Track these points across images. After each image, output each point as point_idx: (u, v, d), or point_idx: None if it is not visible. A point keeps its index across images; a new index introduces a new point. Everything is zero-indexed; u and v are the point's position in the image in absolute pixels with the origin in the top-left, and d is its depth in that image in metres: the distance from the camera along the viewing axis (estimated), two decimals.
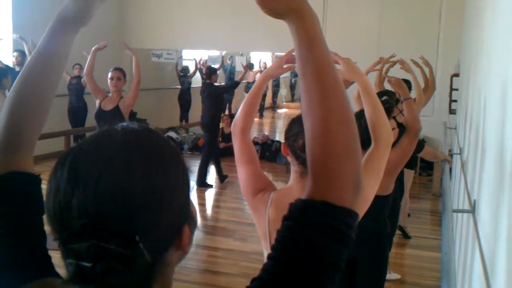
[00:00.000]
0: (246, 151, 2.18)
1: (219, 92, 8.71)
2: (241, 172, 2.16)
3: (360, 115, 3.14)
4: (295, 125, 2.06)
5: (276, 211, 2.05)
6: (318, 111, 0.87)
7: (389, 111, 3.95)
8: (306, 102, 0.89)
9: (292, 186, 2.10)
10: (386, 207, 3.17)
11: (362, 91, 2.25)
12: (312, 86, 0.88)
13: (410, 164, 5.46)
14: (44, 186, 0.91)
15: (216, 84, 8.77)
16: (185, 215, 0.84)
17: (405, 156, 3.14)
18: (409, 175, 5.68)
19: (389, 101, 3.96)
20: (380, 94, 4.04)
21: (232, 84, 9.17)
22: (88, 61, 5.34)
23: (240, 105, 2.23)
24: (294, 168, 2.08)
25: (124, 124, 0.85)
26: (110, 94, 5.25)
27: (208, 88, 8.52)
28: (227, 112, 14.72)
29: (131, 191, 0.75)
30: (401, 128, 4.96)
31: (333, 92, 0.88)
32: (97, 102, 5.29)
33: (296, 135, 2.01)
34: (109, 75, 5.16)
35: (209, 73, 8.66)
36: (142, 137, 0.83)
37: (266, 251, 2.11)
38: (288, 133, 2.08)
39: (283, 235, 0.84)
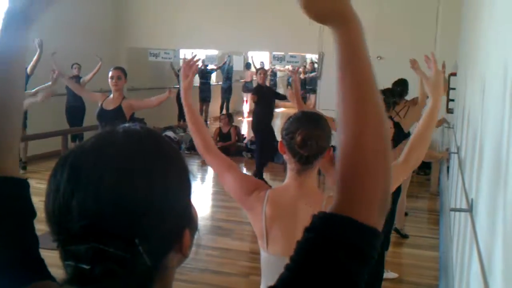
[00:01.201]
0: (221, 160, 2.22)
1: (272, 94, 8.59)
2: (228, 178, 2.18)
3: None
4: (292, 123, 2.07)
5: (273, 208, 2.06)
6: (354, 127, 0.84)
7: (386, 109, 3.95)
8: (342, 116, 0.85)
9: (289, 184, 2.10)
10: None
11: (432, 109, 2.22)
12: (350, 101, 0.85)
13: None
14: (39, 186, 0.90)
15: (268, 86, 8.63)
16: (186, 218, 0.84)
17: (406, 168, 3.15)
18: (406, 177, 5.64)
19: (385, 100, 3.95)
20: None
21: (282, 96, 8.96)
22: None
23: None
24: (290, 166, 2.08)
25: (126, 125, 0.85)
26: (111, 95, 5.21)
27: (261, 89, 8.41)
28: (224, 111, 14.72)
29: (132, 193, 0.75)
30: (397, 128, 4.98)
31: (372, 109, 0.85)
32: (99, 102, 5.27)
33: (294, 132, 2.02)
34: (110, 74, 5.14)
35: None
36: (144, 138, 0.83)
37: (262, 249, 2.11)
38: (285, 131, 2.08)
39: (303, 247, 0.82)
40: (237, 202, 2.20)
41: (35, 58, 8.25)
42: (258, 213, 2.08)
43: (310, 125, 2.03)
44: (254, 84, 16.67)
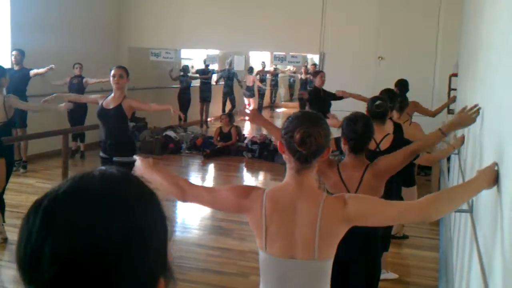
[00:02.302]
0: (201, 192, 2.25)
1: (329, 97, 8.46)
2: (218, 198, 2.19)
3: (355, 119, 3.13)
4: (291, 122, 2.08)
5: (272, 206, 2.06)
6: None
7: (383, 116, 3.93)
8: None
9: (287, 183, 2.10)
10: None
11: (464, 197, 2.04)
12: None
13: (411, 182, 5.41)
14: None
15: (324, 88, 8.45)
16: (161, 267, 0.82)
17: (396, 167, 3.12)
18: (412, 192, 5.39)
19: (384, 105, 3.94)
20: (374, 99, 4.02)
21: (338, 97, 8.71)
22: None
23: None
24: (290, 165, 2.09)
25: (103, 168, 0.83)
26: (112, 94, 5.20)
27: (318, 92, 8.25)
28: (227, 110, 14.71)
29: (106, 242, 0.73)
30: (397, 127, 4.98)
31: None
32: (99, 102, 5.26)
33: (293, 131, 2.03)
34: (112, 72, 5.13)
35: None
36: (121, 183, 0.81)
37: (261, 249, 2.11)
38: (284, 130, 2.09)
39: None
40: (237, 212, 2.20)
41: (40, 71, 8.37)
42: (258, 212, 2.08)
43: (309, 124, 2.04)
44: (254, 88, 16.76)
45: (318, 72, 7.68)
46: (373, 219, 2.08)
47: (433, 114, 6.98)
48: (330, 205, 2.03)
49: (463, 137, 3.99)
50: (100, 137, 5.29)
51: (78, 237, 0.72)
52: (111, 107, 5.12)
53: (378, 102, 3.91)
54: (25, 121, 8.32)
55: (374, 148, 3.76)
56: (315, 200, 2.04)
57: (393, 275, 4.92)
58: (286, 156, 2.09)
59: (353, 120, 3.12)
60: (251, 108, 16.79)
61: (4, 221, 4.38)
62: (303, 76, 16.57)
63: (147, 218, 0.79)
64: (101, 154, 5.26)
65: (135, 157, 2.39)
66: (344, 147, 3.14)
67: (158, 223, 0.82)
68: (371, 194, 3.01)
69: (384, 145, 3.82)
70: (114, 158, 5.07)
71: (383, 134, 3.86)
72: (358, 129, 3.06)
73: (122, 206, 0.77)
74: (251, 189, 2.15)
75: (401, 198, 4.54)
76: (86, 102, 5.36)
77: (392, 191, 3.76)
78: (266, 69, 17.92)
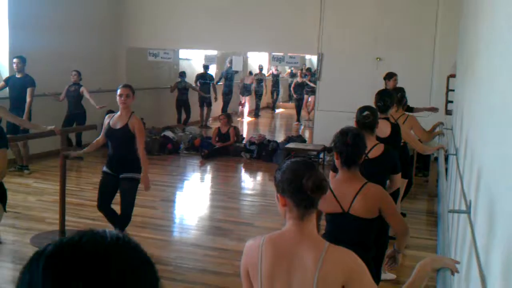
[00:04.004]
0: None
1: None
2: None
3: (345, 132, 3.13)
4: (289, 173, 2.01)
5: (270, 251, 2.02)
6: None
7: (372, 126, 3.93)
8: None
9: (289, 230, 2.03)
10: (372, 229, 3.16)
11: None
12: None
13: (404, 174, 5.42)
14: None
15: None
16: None
17: (394, 210, 3.19)
18: (401, 183, 5.49)
19: (371, 117, 3.95)
20: (362, 109, 4.03)
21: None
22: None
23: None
24: (292, 214, 2.01)
25: (108, 231, 0.85)
26: (119, 112, 5.17)
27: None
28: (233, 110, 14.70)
29: None
30: (395, 129, 5.00)
31: None
32: (106, 120, 5.23)
33: (298, 181, 1.97)
34: (118, 92, 5.09)
35: None
36: (120, 247, 0.83)
37: None
38: (283, 183, 2.00)
39: None
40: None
41: (28, 101, 8.36)
42: (255, 258, 2.04)
43: (312, 170, 2.00)
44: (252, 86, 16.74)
45: (392, 74, 7.53)
46: None
47: (427, 139, 6.78)
48: (333, 255, 1.96)
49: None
50: (108, 152, 5.28)
51: None
52: (118, 127, 5.10)
53: (365, 113, 3.93)
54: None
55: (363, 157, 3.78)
56: (316, 249, 1.97)
57: (391, 276, 4.92)
58: (286, 209, 2.01)
59: (343, 133, 3.11)
60: (245, 106, 16.78)
61: (5, 210, 4.37)
62: (299, 80, 16.55)
63: (142, 281, 0.82)
64: (105, 169, 5.24)
65: None
66: (336, 162, 3.12)
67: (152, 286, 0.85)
68: (365, 212, 3.03)
69: (373, 154, 3.82)
70: (121, 175, 5.09)
71: (372, 143, 3.86)
72: (348, 141, 3.06)
73: (122, 274, 0.79)
74: (247, 251, 2.12)
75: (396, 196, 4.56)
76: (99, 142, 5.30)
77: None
78: (263, 71, 17.92)
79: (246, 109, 16.91)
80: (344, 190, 3.05)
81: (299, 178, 1.96)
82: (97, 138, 5.36)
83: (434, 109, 7.99)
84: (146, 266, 0.85)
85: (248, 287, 2.12)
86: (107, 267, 0.78)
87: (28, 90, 8.35)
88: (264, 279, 2.01)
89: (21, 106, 8.25)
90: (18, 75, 8.43)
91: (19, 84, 8.40)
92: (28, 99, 8.34)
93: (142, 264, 0.84)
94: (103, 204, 5.22)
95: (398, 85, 7.10)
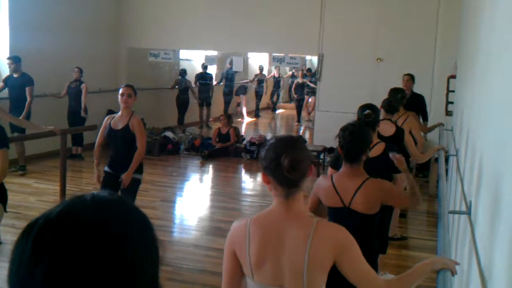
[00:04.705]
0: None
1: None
2: (226, 273, 2.11)
3: (345, 127, 3.13)
4: (271, 151, 1.99)
5: (257, 232, 1.99)
6: None
7: (373, 124, 3.94)
8: None
9: (275, 209, 2.02)
10: (372, 225, 3.17)
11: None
12: None
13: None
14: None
15: None
16: None
17: (399, 198, 3.25)
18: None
19: (372, 115, 3.96)
20: (364, 107, 4.03)
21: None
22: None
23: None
24: (276, 192, 2.00)
25: (95, 192, 0.83)
26: (119, 112, 5.17)
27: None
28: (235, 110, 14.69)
29: (97, 269, 0.74)
30: (398, 132, 5.00)
31: None
32: (106, 121, 5.22)
33: (277, 159, 1.95)
34: (120, 91, 5.09)
35: None
36: (112, 210, 0.81)
37: (248, 277, 2.03)
38: (265, 160, 1.99)
39: None
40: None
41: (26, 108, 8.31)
42: (242, 240, 2.00)
43: (292, 149, 1.97)
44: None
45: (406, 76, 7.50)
46: (350, 274, 1.98)
47: (424, 130, 6.75)
48: (323, 231, 1.95)
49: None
50: (109, 152, 5.28)
51: (68, 264, 0.73)
52: (119, 127, 5.09)
53: (366, 112, 3.94)
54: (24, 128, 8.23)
55: None
56: (305, 226, 1.96)
57: (391, 277, 4.92)
58: (271, 186, 2.01)
59: (343, 129, 3.12)
60: (242, 106, 16.73)
61: (5, 211, 4.36)
62: (299, 80, 16.54)
63: (138, 244, 0.80)
64: (106, 169, 5.25)
65: None
66: (342, 156, 3.14)
67: (150, 248, 0.83)
68: (366, 208, 3.03)
69: (374, 153, 3.82)
70: (122, 175, 5.08)
71: (374, 142, 3.86)
72: (345, 137, 3.06)
73: (113, 232, 0.77)
74: (233, 231, 2.06)
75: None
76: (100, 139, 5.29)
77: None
78: (264, 72, 17.91)
79: (244, 109, 16.84)
80: (346, 185, 3.05)
81: (279, 156, 1.94)
82: (96, 143, 5.34)
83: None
84: (142, 228, 0.83)
85: (231, 267, 2.05)
86: (98, 238, 0.76)
87: (27, 90, 8.33)
88: (253, 258, 1.98)
89: (21, 106, 8.23)
90: (15, 75, 8.39)
91: (17, 84, 8.36)
92: (28, 98, 8.32)
93: (137, 226, 0.83)
94: None
95: (396, 86, 7.08)
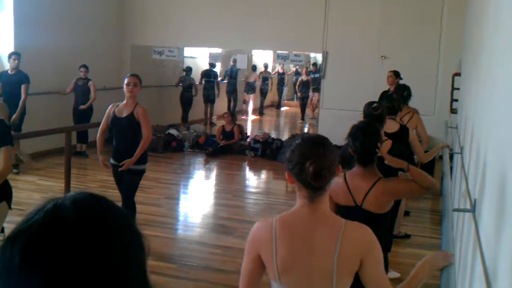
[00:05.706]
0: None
1: None
2: (246, 273, 2.08)
3: (355, 131, 3.14)
4: (297, 153, 1.93)
5: (284, 233, 1.95)
6: None
7: (381, 118, 3.94)
8: None
9: (300, 210, 1.98)
10: (383, 223, 3.17)
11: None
12: None
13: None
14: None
15: None
16: (142, 285, 0.83)
17: (406, 194, 3.43)
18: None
19: (380, 108, 3.96)
20: (371, 102, 4.04)
21: None
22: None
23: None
24: (301, 193, 1.96)
25: (73, 195, 0.83)
26: (124, 101, 5.18)
27: None
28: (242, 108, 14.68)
29: (85, 275, 0.74)
30: (402, 130, 4.99)
31: None
32: (110, 109, 5.22)
33: (302, 164, 1.90)
34: (126, 80, 5.11)
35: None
36: (94, 214, 0.81)
37: (274, 281, 1.98)
38: (290, 162, 1.94)
39: None
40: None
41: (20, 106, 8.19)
42: (268, 242, 1.95)
43: (318, 155, 1.90)
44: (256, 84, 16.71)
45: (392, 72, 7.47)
46: (367, 278, 1.97)
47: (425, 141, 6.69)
48: (351, 234, 1.94)
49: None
50: (112, 144, 5.29)
51: (58, 274, 0.73)
52: (124, 115, 5.11)
53: (375, 105, 3.94)
54: (20, 126, 8.24)
55: None
56: (333, 229, 1.93)
57: (395, 274, 4.91)
58: (296, 186, 1.96)
59: (353, 136, 3.07)
60: (249, 104, 16.72)
61: (10, 208, 4.38)
62: (304, 78, 16.50)
63: (124, 243, 0.80)
64: (112, 161, 5.26)
65: None
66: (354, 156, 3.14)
67: (136, 245, 0.83)
68: (377, 208, 3.03)
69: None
70: (126, 160, 5.08)
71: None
72: (359, 139, 3.06)
73: (98, 236, 0.77)
74: (257, 232, 2.01)
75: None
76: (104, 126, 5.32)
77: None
78: (268, 69, 17.88)
79: (250, 107, 16.85)
80: (359, 184, 3.05)
81: (304, 161, 1.89)
82: (100, 129, 5.33)
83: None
84: (126, 224, 0.83)
85: (252, 270, 2.00)
86: (83, 244, 0.76)
87: (23, 87, 8.18)
88: (281, 262, 1.93)
89: (14, 103, 8.02)
90: (10, 72, 8.24)
91: (14, 81, 8.20)
92: (22, 96, 8.16)
93: (121, 225, 0.83)
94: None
95: (403, 83, 7.08)
